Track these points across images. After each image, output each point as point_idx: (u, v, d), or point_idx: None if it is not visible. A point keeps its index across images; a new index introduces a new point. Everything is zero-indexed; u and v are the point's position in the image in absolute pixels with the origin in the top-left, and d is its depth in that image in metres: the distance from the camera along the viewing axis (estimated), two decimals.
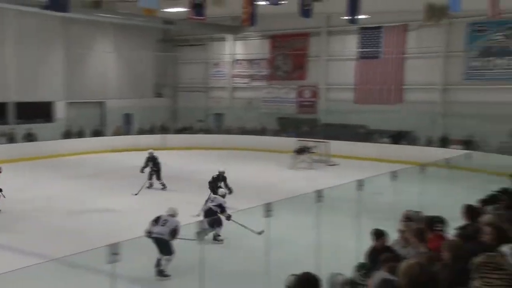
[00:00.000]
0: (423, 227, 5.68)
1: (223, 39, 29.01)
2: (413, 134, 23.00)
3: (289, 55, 27.09)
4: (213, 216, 10.66)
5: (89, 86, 26.41)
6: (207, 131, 27.75)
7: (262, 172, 19.32)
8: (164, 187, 16.26)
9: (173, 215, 9.19)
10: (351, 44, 25.12)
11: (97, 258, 5.39)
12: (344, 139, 23.22)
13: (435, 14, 14.57)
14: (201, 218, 10.80)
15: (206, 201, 11.77)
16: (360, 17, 17.93)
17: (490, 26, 21.18)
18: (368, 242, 6.54)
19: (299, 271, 4.23)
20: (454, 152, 17.90)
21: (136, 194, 15.28)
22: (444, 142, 21.82)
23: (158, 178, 16.30)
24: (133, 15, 22.24)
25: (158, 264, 8.86)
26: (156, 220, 9.07)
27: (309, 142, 21.76)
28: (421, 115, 22.90)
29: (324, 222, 9.45)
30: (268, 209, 7.41)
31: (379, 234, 6.36)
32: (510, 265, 2.91)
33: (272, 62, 27.66)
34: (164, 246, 8.78)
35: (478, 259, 2.93)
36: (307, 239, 8.81)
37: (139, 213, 13.05)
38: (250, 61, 28.42)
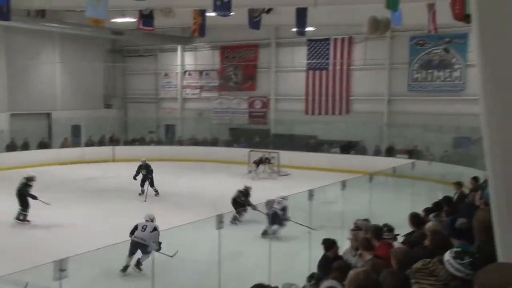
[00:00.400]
0: (370, 236, 5.82)
1: (173, 50, 28.82)
2: (362, 144, 23.56)
3: (239, 66, 27.15)
4: (278, 219, 11.46)
5: (34, 97, 25.55)
6: (158, 142, 27.44)
7: (214, 183, 19.26)
8: (157, 193, 16.70)
9: (152, 220, 10.01)
10: (300, 56, 25.40)
11: (44, 275, 5.23)
12: (295, 149, 23.37)
13: (379, 27, 15.06)
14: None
15: (269, 205, 11.97)
16: (308, 29, 18.28)
17: (430, 40, 21.95)
18: (321, 251, 6.64)
19: (251, 282, 4.23)
20: (400, 161, 18.28)
21: (145, 201, 15.92)
22: (391, 152, 22.44)
23: (152, 185, 16.71)
24: (81, 25, 21.75)
25: (138, 263, 9.64)
26: (136, 228, 9.86)
27: (266, 153, 21.85)
28: (368, 125, 23.48)
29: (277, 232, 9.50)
30: (220, 220, 7.40)
31: (330, 244, 6.47)
32: (445, 271, 3.03)
33: (222, 73, 27.64)
34: (144, 249, 9.54)
35: (416, 265, 3.05)
36: (261, 249, 8.85)
37: (88, 227, 12.77)
38: (201, 72, 28.29)
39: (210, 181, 19.20)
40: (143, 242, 9.51)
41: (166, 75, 29.37)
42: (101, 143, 26.27)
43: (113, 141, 26.65)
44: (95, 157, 24.48)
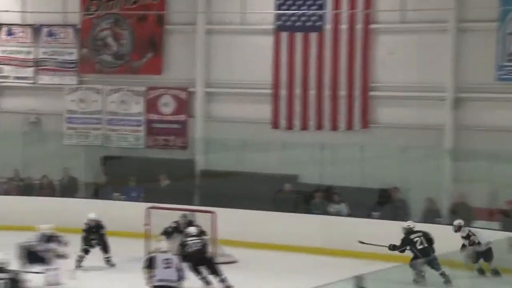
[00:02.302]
0: None
1: None
2: (397, 196, 23.91)
3: (124, 19, 27.63)
4: None
5: None
6: None
7: None
8: None
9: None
10: (260, 2, 26.05)
11: None
12: (249, 205, 23.74)
13: None
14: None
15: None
16: None
17: None
18: None
19: None
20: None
21: None
22: (461, 213, 22.31)
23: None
24: None
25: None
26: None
27: (190, 213, 22.14)
28: (410, 155, 23.93)
29: None
30: None
31: None
32: None
33: (86, 33, 28.26)
34: None
35: None
36: None
37: None
38: (36, 30, 28.93)
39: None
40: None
41: None
42: None
43: None
44: None
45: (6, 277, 13.73)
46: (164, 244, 17.33)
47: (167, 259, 15.29)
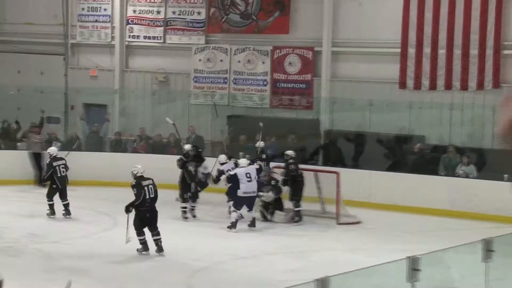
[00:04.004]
0: None
1: None
2: None
3: None
4: None
5: None
6: (74, 144, 27.58)
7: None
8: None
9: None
10: None
11: None
12: (373, 166, 23.86)
13: None
14: None
15: None
16: None
17: None
18: None
19: None
20: None
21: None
22: None
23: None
24: None
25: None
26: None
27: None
28: None
29: None
30: None
31: None
32: None
33: None
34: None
35: None
36: None
37: None
38: None
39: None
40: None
41: None
42: None
43: None
44: None
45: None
46: (245, 161, 19.67)
47: (248, 173, 18.42)
